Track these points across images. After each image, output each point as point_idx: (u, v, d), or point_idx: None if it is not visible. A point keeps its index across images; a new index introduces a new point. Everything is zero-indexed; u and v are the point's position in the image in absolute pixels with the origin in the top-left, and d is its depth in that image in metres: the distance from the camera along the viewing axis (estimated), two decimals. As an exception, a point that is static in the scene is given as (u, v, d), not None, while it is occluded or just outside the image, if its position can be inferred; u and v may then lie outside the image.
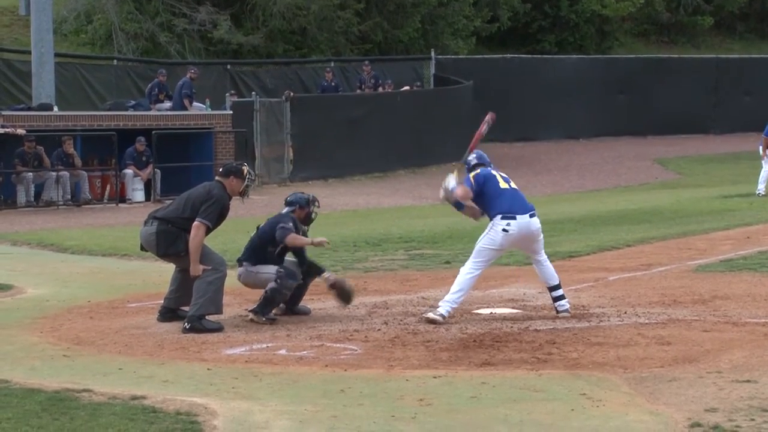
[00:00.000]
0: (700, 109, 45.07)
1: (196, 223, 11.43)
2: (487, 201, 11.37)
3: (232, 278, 14.85)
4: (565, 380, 8.98)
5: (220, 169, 12.25)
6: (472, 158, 11.73)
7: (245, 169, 12.01)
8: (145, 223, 11.85)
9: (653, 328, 10.85)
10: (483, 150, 11.97)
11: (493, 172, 11.52)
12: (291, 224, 11.90)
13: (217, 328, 11.26)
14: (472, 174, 11.49)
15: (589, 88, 42.79)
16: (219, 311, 11.51)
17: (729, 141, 42.38)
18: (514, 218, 11.19)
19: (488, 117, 12.14)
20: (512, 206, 11.25)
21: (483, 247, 11.31)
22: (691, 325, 10.98)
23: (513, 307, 12.10)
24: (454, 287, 11.30)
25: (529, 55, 45.27)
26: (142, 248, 12.02)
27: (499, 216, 11.21)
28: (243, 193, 12.15)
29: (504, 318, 11.59)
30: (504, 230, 11.17)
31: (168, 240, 11.58)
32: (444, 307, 11.25)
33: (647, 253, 16.57)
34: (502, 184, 11.41)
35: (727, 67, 46.97)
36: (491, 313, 11.88)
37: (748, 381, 8.70)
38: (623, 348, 10.03)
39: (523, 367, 9.45)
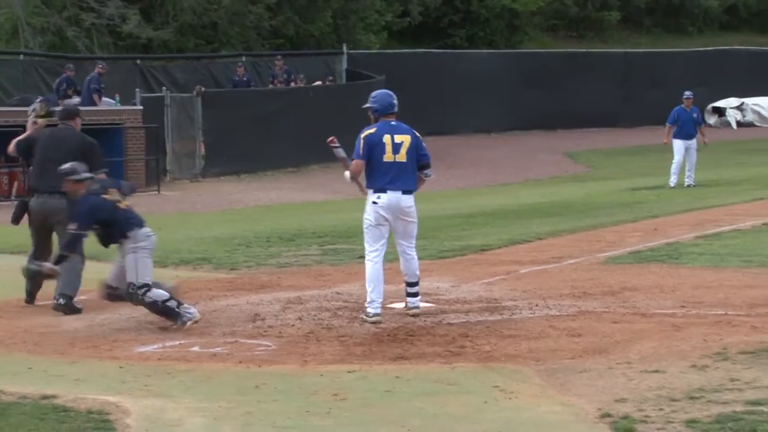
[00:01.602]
0: (609, 102, 45.62)
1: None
2: (368, 171, 11.22)
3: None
4: (478, 373, 9.04)
5: (60, 111, 13.40)
6: (374, 104, 11.52)
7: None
8: (46, 194, 12.26)
9: (564, 320, 10.95)
10: None
11: (386, 137, 11.21)
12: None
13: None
14: (364, 134, 11.30)
15: (499, 82, 43.09)
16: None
17: (637, 134, 42.93)
18: (385, 192, 11.09)
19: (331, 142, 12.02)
20: (386, 182, 11.09)
21: (364, 228, 11.27)
22: (601, 317, 11.09)
23: (426, 301, 12.11)
24: (366, 284, 11.26)
25: (441, 50, 45.48)
26: (34, 221, 12.34)
27: (372, 191, 11.16)
28: None
29: (417, 313, 11.62)
30: (374, 203, 11.12)
31: None
32: (369, 308, 11.12)
33: (558, 245, 16.72)
34: (387, 157, 11.15)
35: (635, 61, 47.63)
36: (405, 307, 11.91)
37: (657, 371, 8.82)
38: (535, 340, 10.12)
39: (437, 360, 9.50)
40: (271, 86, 36.79)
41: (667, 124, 27.12)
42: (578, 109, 44.41)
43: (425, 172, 11.43)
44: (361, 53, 41.98)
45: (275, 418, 7.78)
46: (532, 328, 10.66)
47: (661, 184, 26.64)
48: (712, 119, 45.44)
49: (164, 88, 33.48)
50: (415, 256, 11.39)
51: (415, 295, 11.42)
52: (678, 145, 26.50)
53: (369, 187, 11.23)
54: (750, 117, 46.63)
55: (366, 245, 11.31)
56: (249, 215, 23.74)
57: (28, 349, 10.26)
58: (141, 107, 30.93)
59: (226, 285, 13.71)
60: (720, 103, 46.54)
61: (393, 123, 11.41)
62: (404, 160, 11.20)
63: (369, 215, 11.21)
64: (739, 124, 46.28)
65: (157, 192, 29.07)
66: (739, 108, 46.82)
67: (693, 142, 26.44)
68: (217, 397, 8.41)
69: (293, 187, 31.04)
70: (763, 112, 47.03)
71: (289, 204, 26.99)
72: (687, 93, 27.09)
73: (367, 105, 11.56)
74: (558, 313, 11.35)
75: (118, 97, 31.21)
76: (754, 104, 46.84)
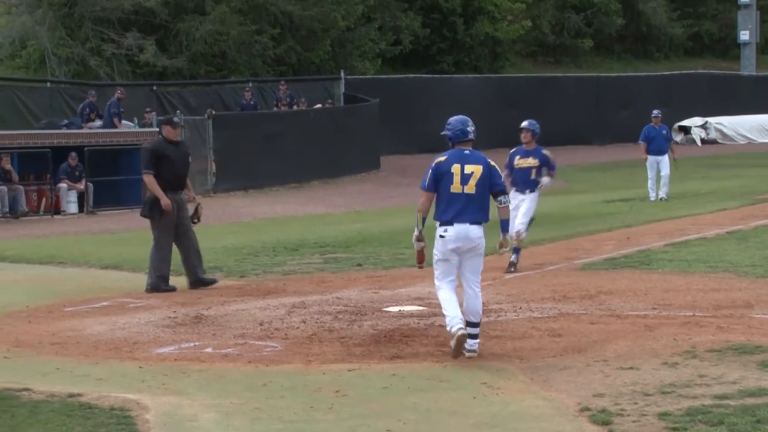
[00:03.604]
0: (584, 122, 45.63)
1: (143, 176, 14.12)
2: (436, 201, 9.81)
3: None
4: (468, 370, 9.02)
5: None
6: (448, 131, 10.00)
7: (173, 118, 15.04)
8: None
9: (545, 322, 10.93)
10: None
11: (455, 167, 9.73)
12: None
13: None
14: (434, 162, 9.85)
15: (483, 104, 43.01)
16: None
17: (610, 151, 42.95)
18: (452, 224, 9.65)
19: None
20: (453, 214, 9.66)
21: (433, 262, 9.87)
22: (579, 319, 11.07)
23: (419, 305, 12.11)
24: (443, 309, 9.72)
25: (430, 75, 45.48)
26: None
27: (438, 222, 9.77)
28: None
29: (411, 315, 11.59)
30: (441, 236, 9.68)
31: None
32: (451, 327, 9.50)
33: (539, 253, 16.68)
34: (455, 188, 9.66)
35: (607, 84, 47.66)
36: (400, 310, 11.88)
37: (631, 368, 8.80)
38: (519, 340, 10.09)
39: (430, 359, 9.47)
40: (275, 109, 36.75)
41: (639, 141, 26.32)
42: (555, 129, 44.19)
43: (499, 199, 9.89)
44: (357, 78, 41.94)
45: (282, 413, 7.75)
46: (517, 329, 10.63)
47: (632, 196, 26.55)
48: (678, 137, 45.37)
49: (178, 111, 33.45)
50: (480, 293, 9.81)
51: (474, 336, 9.60)
52: (650, 160, 25.76)
53: (436, 218, 9.79)
54: (713, 135, 46.66)
55: (435, 280, 9.85)
56: (256, 227, 23.69)
57: (56, 351, 10.23)
58: (157, 129, 30.87)
59: (236, 291, 13.67)
60: (685, 122, 46.56)
61: (466, 152, 9.87)
62: (473, 191, 9.70)
63: (437, 249, 9.75)
64: (703, 141, 46.29)
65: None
66: (703, 126, 46.84)
67: (664, 158, 25.61)
68: (228, 394, 8.38)
69: (296, 201, 30.98)
70: (725, 130, 47.08)
71: (293, 216, 26.93)
72: (655, 111, 26.33)
73: (443, 132, 10.09)
74: (540, 315, 11.33)
75: (136, 120, 31.17)
76: (716, 123, 46.88)
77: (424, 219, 9.87)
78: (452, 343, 9.45)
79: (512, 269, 14.58)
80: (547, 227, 20.41)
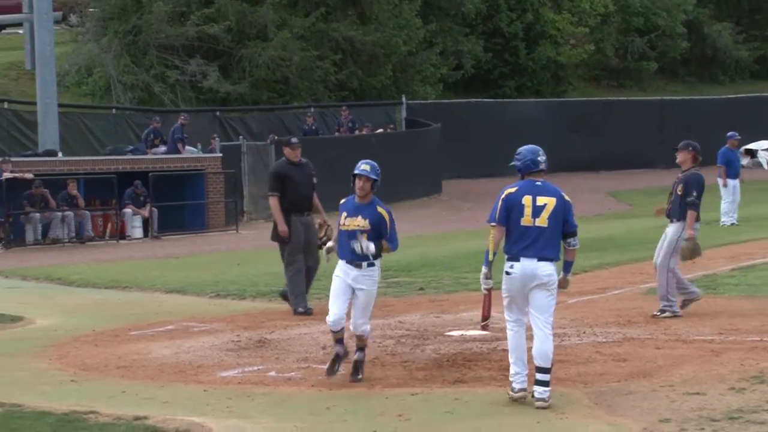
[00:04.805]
0: (647, 145, 45.29)
1: (269, 199, 14.08)
2: (506, 234, 9.10)
3: (227, 306, 14.79)
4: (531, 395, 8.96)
5: None
6: (516, 162, 9.35)
7: (290, 139, 14.56)
8: None
9: (610, 346, 10.87)
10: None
11: (526, 198, 9.03)
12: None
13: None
14: (504, 193, 9.17)
15: (546, 127, 42.83)
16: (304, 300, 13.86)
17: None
18: (518, 260, 8.91)
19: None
20: (521, 248, 8.92)
21: (502, 296, 9.16)
22: (644, 343, 10.99)
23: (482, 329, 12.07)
24: (509, 355, 9.11)
25: (492, 99, 45.45)
26: None
27: (507, 257, 9.02)
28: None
29: (474, 339, 11.57)
30: (506, 272, 8.96)
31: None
32: (514, 383, 8.90)
33: (603, 277, 16.60)
34: (525, 220, 8.95)
35: (671, 107, 47.31)
36: (462, 335, 11.86)
37: (698, 393, 8.72)
38: (583, 365, 10.04)
39: (493, 383, 9.45)
40: (337, 134, 36.93)
41: (720, 164, 25.33)
42: (619, 152, 44.16)
43: (569, 241, 9.12)
44: (419, 103, 42.03)
45: (346, 437, 7.76)
46: (581, 353, 10.58)
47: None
48: (744, 160, 44.86)
49: (241, 137, 33.72)
50: (550, 336, 8.97)
51: (544, 384, 8.73)
52: (729, 184, 25.06)
53: (505, 251, 9.05)
54: (780, 158, 46.08)
55: (505, 314, 9.22)
56: (319, 252, 23.75)
57: (122, 375, 10.34)
58: (220, 154, 31.16)
59: (299, 315, 13.72)
60: (752, 146, 46.00)
61: (538, 183, 9.18)
62: (545, 224, 8.94)
63: (503, 285, 9.05)
64: (770, 164, 45.74)
65: (235, 231, 29.22)
66: (770, 150, 46.27)
67: (737, 182, 25.24)
68: (292, 417, 8.42)
69: (358, 225, 31.03)
70: (792, 153, 46.46)
71: (355, 241, 26.98)
72: (733, 133, 25.63)
73: (513, 163, 9.42)
74: (604, 340, 11.26)
75: (199, 146, 31.47)
76: (784, 146, 46.29)
77: (494, 254, 9.19)
78: (508, 391, 8.92)
79: (359, 376, 9.80)
80: (610, 251, 20.29)
